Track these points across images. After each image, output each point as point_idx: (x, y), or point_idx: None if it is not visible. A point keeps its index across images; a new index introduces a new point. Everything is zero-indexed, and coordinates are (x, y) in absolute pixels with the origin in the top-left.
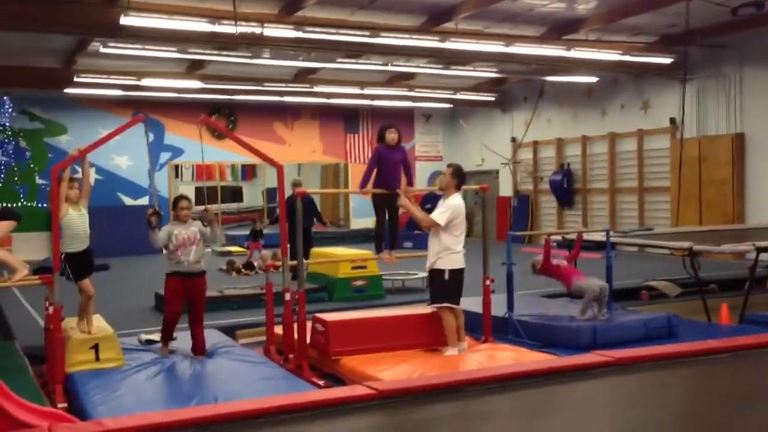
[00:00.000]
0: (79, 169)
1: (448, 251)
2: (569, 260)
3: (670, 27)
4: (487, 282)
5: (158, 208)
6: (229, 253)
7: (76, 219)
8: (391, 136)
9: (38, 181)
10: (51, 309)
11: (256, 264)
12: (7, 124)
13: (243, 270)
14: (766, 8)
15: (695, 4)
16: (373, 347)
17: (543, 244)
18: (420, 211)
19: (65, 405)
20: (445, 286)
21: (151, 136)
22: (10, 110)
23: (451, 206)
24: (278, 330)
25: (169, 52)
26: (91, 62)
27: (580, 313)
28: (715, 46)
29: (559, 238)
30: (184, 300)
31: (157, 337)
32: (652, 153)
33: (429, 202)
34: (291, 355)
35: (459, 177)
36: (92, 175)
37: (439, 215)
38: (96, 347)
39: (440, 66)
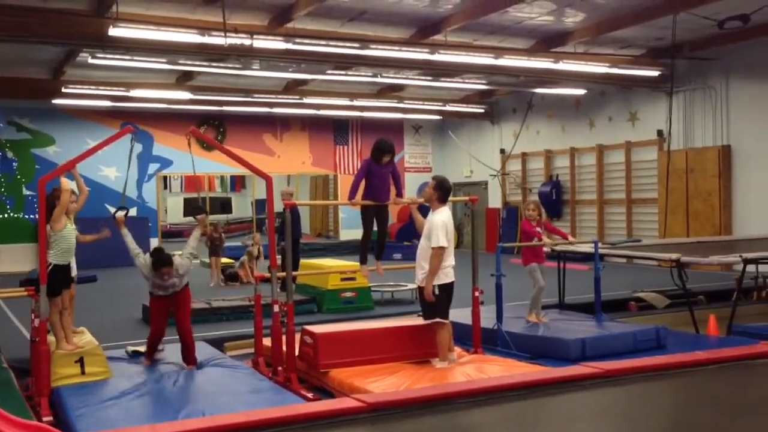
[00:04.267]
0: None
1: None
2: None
3: (658, 40)
4: (477, 293)
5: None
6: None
7: (72, 232)
8: (386, 160)
9: (25, 192)
10: (37, 321)
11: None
12: None
13: (229, 282)
14: (752, 21)
15: (682, 17)
16: (362, 359)
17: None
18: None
19: (50, 418)
20: (434, 301)
21: (140, 147)
22: None
23: (440, 224)
24: (267, 342)
25: (159, 63)
26: (79, 73)
27: (528, 313)
28: (701, 58)
29: (547, 249)
30: (168, 316)
31: (144, 348)
32: (640, 165)
33: (422, 212)
34: (280, 368)
35: (441, 190)
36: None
37: (437, 239)
38: (81, 361)
39: (429, 78)
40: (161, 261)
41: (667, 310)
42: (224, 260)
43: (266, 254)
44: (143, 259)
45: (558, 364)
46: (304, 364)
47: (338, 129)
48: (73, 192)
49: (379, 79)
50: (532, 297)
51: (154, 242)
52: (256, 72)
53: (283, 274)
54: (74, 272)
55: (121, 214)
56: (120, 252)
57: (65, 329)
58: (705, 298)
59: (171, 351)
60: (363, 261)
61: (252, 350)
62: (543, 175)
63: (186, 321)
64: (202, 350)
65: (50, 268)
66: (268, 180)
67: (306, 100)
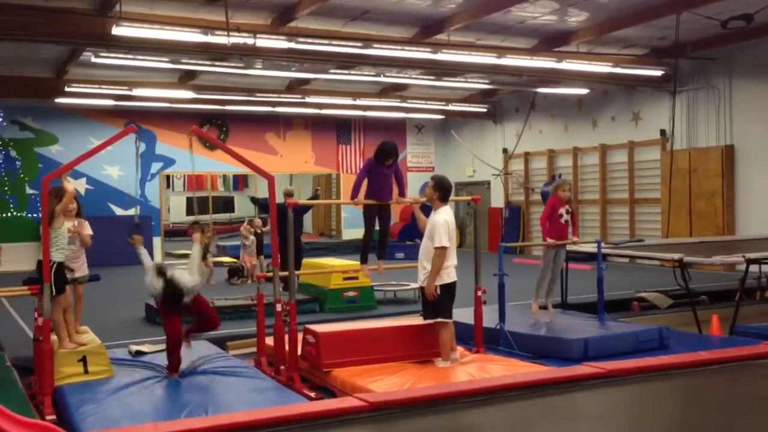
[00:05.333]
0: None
1: None
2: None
3: (660, 39)
4: (479, 293)
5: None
6: (221, 263)
7: (66, 231)
8: (389, 162)
9: (28, 191)
10: (40, 320)
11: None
12: None
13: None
14: (755, 21)
15: (685, 17)
16: (364, 359)
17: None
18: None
19: (54, 417)
20: (436, 301)
21: (143, 146)
22: (0, 120)
23: (441, 224)
24: (269, 341)
25: (162, 63)
26: (82, 72)
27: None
28: (704, 58)
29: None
30: (181, 318)
31: (147, 348)
32: (643, 164)
33: (424, 212)
34: (282, 367)
35: (441, 189)
36: (82, 185)
37: (439, 239)
38: (84, 360)
39: (432, 77)
40: (173, 299)
41: (670, 310)
42: (226, 259)
43: (268, 253)
44: (154, 284)
45: (560, 364)
46: (306, 363)
47: (341, 128)
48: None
49: (381, 79)
50: (536, 280)
51: (157, 241)
52: (258, 71)
53: (286, 272)
54: (85, 272)
55: (138, 237)
56: (122, 252)
57: (68, 327)
58: (708, 299)
59: None
60: (364, 260)
61: (254, 349)
62: (546, 175)
63: (207, 309)
64: (205, 349)
65: (54, 266)
66: (270, 179)
67: (309, 100)
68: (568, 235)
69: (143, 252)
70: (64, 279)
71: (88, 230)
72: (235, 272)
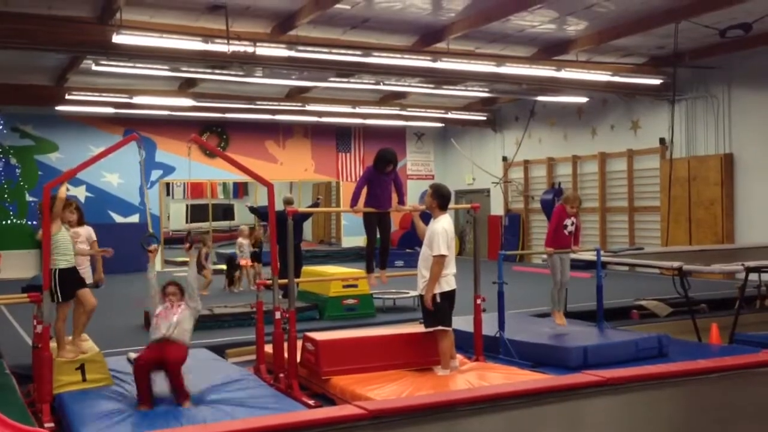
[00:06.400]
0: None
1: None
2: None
3: (659, 48)
4: (478, 301)
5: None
6: (221, 271)
7: (66, 236)
8: (388, 170)
9: (28, 198)
10: (39, 327)
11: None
12: None
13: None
14: (754, 30)
15: (684, 25)
16: (364, 366)
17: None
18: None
19: (52, 425)
20: (436, 309)
21: (143, 154)
22: (0, 127)
23: (440, 232)
24: (268, 349)
25: (162, 71)
26: (83, 80)
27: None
28: (703, 67)
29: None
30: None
31: None
32: (642, 173)
33: (424, 220)
34: (281, 375)
35: (440, 197)
36: (82, 193)
37: (438, 247)
38: (82, 368)
39: (432, 85)
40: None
41: (669, 318)
42: (223, 267)
43: (267, 260)
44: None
45: (560, 372)
46: (305, 371)
47: (341, 136)
48: (71, 202)
49: (381, 87)
50: (550, 292)
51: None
52: (258, 79)
53: (285, 280)
54: (89, 279)
55: (154, 246)
56: (122, 258)
57: (76, 331)
58: (707, 307)
59: None
60: (369, 269)
61: (253, 357)
62: (545, 183)
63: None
64: (204, 356)
65: (55, 273)
66: (269, 187)
67: (308, 108)
68: (570, 246)
69: (154, 269)
70: (71, 286)
71: (92, 237)
72: (234, 267)
